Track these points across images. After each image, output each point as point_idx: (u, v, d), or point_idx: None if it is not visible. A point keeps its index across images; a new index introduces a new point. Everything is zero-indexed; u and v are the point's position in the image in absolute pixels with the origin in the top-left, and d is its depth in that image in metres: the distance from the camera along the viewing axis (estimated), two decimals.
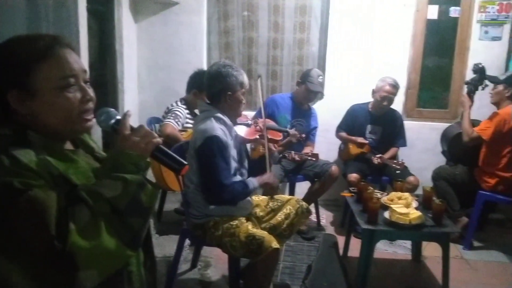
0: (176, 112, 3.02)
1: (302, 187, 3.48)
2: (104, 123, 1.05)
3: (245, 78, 2.08)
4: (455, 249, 3.12)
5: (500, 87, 3.08)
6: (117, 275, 0.99)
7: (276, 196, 2.37)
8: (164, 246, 2.96)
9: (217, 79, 2.04)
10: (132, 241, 0.93)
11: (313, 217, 3.54)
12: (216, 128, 1.99)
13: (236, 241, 1.95)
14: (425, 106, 3.97)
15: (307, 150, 3.28)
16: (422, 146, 3.82)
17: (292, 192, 3.63)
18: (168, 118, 2.99)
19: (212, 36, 3.97)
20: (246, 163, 2.27)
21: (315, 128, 3.47)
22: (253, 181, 2.09)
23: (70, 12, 2.41)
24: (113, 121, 1.04)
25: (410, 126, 3.73)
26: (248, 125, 2.36)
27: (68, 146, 1.04)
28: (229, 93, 2.04)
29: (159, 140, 1.03)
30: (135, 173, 0.95)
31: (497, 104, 3.13)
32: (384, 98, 3.30)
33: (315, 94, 3.33)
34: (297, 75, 3.76)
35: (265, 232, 1.96)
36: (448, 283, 2.34)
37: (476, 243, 3.21)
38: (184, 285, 2.55)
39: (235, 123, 2.21)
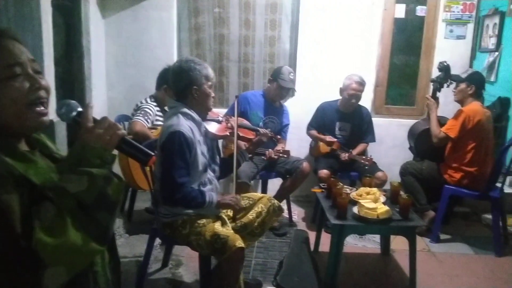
0: (145, 109, 2.98)
1: (275, 184, 3.50)
2: (65, 115, 1.01)
3: (209, 71, 2.06)
4: (423, 242, 3.21)
5: (463, 85, 3.18)
6: (83, 276, 0.97)
7: (248, 194, 2.37)
8: (135, 246, 2.92)
9: (181, 74, 2.02)
10: (100, 236, 0.91)
11: (285, 213, 3.57)
12: (182, 124, 1.97)
13: (202, 240, 1.94)
14: (393, 103, 4.06)
15: (279, 147, 3.30)
16: (390, 142, 3.91)
17: (264, 189, 3.66)
18: (137, 116, 2.94)
19: (182, 33, 3.93)
20: (218, 159, 2.27)
21: (287, 125, 3.50)
22: (213, 196, 2.03)
23: (32, 8, 2.33)
24: (74, 113, 1.00)
25: (379, 122, 3.81)
26: (219, 122, 2.35)
27: (24, 147, 1.00)
28: (195, 87, 2.02)
29: (123, 131, 1.01)
30: (101, 167, 0.93)
31: (461, 101, 3.23)
32: (351, 96, 3.37)
33: (287, 90, 3.34)
34: (269, 73, 3.77)
35: (230, 231, 1.95)
36: (415, 275, 2.40)
37: (442, 236, 3.31)
38: (155, 285, 2.52)
39: (205, 118, 2.19)
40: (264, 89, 3.46)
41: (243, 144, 3.08)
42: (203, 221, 2.00)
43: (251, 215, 2.22)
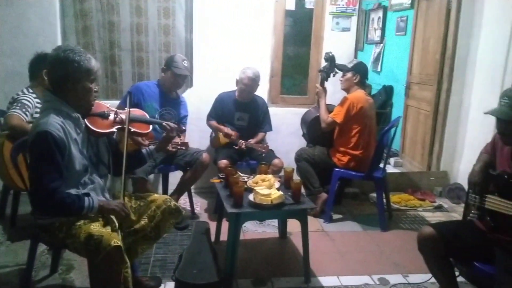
0: (23, 101, 2.69)
1: (177, 177, 3.43)
2: None
3: (92, 64, 1.88)
4: (317, 223, 3.41)
5: (349, 75, 3.41)
6: None
7: (142, 195, 2.25)
8: (18, 253, 2.65)
9: (56, 66, 1.84)
10: None
11: (187, 205, 3.54)
12: (51, 123, 1.77)
13: (77, 242, 1.80)
14: (288, 93, 4.23)
15: (177, 139, 3.21)
16: (286, 130, 4.07)
17: (166, 183, 3.58)
18: (14, 108, 2.65)
19: (67, 19, 3.62)
20: (106, 159, 2.10)
21: (185, 116, 3.43)
22: (92, 202, 1.83)
23: None
24: None
25: (276, 112, 3.93)
26: (104, 116, 2.17)
27: None
28: (71, 81, 1.84)
29: None
30: None
31: (347, 90, 3.47)
32: (243, 90, 3.45)
33: (183, 78, 3.27)
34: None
35: (105, 231, 1.81)
36: (308, 255, 2.53)
37: (335, 216, 3.55)
38: None
39: (85, 115, 2.01)
40: (159, 79, 3.35)
41: (140, 139, 2.95)
42: (81, 222, 1.85)
43: (143, 220, 2.09)
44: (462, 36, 3.90)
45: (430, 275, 2.15)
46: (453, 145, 4.12)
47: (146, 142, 2.97)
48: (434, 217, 3.62)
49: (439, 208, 3.79)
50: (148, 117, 2.52)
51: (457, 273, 2.34)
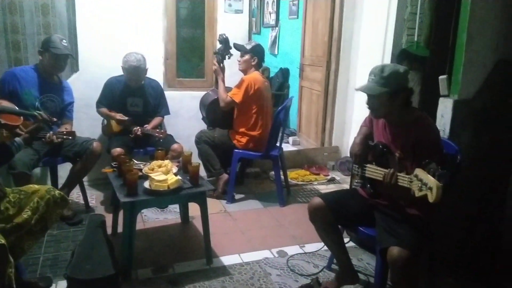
0: None
1: (67, 170, 3.17)
2: None
3: None
4: (220, 205, 3.43)
5: (247, 56, 3.45)
6: None
7: (21, 188, 2.05)
8: None
9: None
10: None
11: (80, 199, 3.32)
12: None
13: None
14: (185, 76, 4.14)
15: (62, 128, 2.98)
16: (186, 114, 4.01)
17: (55, 177, 3.31)
18: None
19: None
20: None
21: (71, 103, 3.17)
22: None
23: None
24: None
25: (173, 95, 3.84)
26: None
27: None
28: None
29: None
30: None
31: (244, 71, 3.50)
32: (129, 78, 3.32)
33: (64, 59, 2.99)
34: None
35: None
36: (209, 236, 2.53)
37: (237, 196, 3.61)
38: None
39: None
40: (37, 63, 3.04)
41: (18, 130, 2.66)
42: None
43: (25, 213, 1.92)
44: (346, 19, 4.16)
45: (323, 243, 2.29)
46: (342, 122, 4.43)
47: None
48: (328, 189, 3.87)
49: (332, 180, 4.07)
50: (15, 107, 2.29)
51: (348, 239, 2.55)
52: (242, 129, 3.45)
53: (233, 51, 3.50)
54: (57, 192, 2.05)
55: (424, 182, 1.64)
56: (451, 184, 1.94)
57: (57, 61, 2.93)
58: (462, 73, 2.21)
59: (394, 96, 1.90)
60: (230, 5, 3.96)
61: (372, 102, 1.96)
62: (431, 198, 1.61)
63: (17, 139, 2.15)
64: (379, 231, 1.95)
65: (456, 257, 2.40)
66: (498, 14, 2.20)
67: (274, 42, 6.21)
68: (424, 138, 1.87)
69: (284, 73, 5.89)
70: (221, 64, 3.48)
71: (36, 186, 2.06)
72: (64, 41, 2.95)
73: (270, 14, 6.17)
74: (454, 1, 2.34)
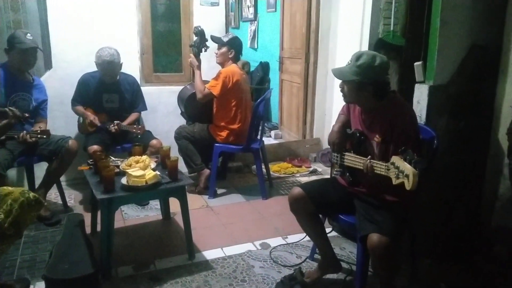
0: None
1: (44, 169, 3.09)
2: None
3: None
4: (202, 200, 3.40)
5: (224, 49, 3.41)
6: None
7: None
8: None
9: None
10: None
11: (58, 199, 3.25)
12: None
13: None
14: (163, 71, 4.09)
15: (36, 127, 2.91)
16: (164, 109, 3.96)
17: (31, 178, 3.22)
18: None
19: None
20: None
21: (44, 101, 3.09)
22: None
23: None
24: None
25: (150, 91, 3.79)
26: None
27: None
28: None
29: None
30: None
31: (222, 64, 3.46)
32: (104, 74, 3.26)
33: (32, 53, 2.89)
34: None
35: None
36: (190, 231, 2.50)
37: (219, 191, 3.58)
38: None
39: None
40: (5, 62, 2.94)
41: None
42: None
43: None
44: (323, 10, 4.16)
45: (305, 233, 2.29)
46: (322, 113, 4.44)
47: None
48: (310, 180, 3.87)
49: (314, 172, 4.08)
50: None
51: (330, 229, 2.55)
52: (222, 123, 3.41)
53: (210, 43, 3.45)
54: (31, 194, 1.96)
55: (401, 170, 1.64)
56: (428, 169, 1.96)
57: (25, 56, 2.85)
58: (437, 59, 2.21)
59: (361, 87, 1.89)
60: None
61: (342, 86, 1.97)
62: (407, 185, 1.61)
63: None
64: (359, 219, 1.95)
65: (435, 240, 2.42)
66: None
67: (253, 36, 6.17)
68: (399, 118, 1.86)
69: (264, 67, 5.85)
70: (198, 57, 3.43)
71: (10, 188, 1.98)
72: (28, 34, 2.86)
73: (248, 8, 6.11)
74: None
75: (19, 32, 2.86)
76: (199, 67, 3.40)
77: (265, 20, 5.77)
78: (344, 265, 2.35)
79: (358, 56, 1.90)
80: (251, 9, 6.01)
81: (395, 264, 1.83)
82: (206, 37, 3.40)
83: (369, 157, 1.84)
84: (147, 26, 3.84)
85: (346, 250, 2.60)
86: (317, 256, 2.46)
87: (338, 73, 1.94)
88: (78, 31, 3.53)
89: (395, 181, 1.67)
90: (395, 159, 1.68)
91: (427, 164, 1.97)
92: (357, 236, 1.95)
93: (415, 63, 2.34)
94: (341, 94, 2.01)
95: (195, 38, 3.40)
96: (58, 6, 3.44)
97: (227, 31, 4.04)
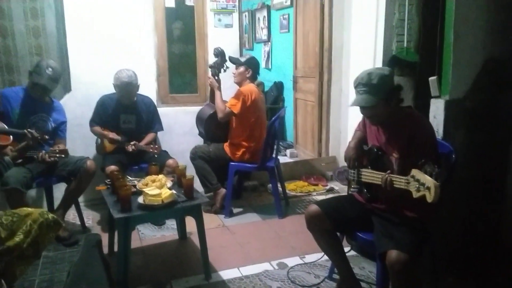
0: None
1: (62, 190, 3.14)
2: None
3: None
4: (218, 219, 3.39)
5: (242, 69, 3.46)
6: None
7: (15, 211, 2.01)
8: None
9: None
10: None
11: (76, 220, 3.28)
12: None
13: None
14: (178, 92, 4.15)
15: (54, 147, 2.96)
16: (180, 130, 4.00)
17: (50, 199, 3.27)
18: None
19: None
20: None
21: (64, 122, 3.16)
22: None
23: None
24: None
25: (166, 112, 3.84)
26: None
27: None
28: None
29: None
30: None
31: (239, 83, 3.51)
32: (121, 95, 3.31)
33: (43, 88, 2.93)
34: None
35: None
36: (206, 250, 2.48)
37: (235, 210, 3.57)
38: None
39: None
40: (27, 84, 3.04)
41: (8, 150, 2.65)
42: None
43: (17, 236, 1.86)
44: (336, 29, 4.19)
45: (323, 252, 2.24)
46: (338, 131, 4.42)
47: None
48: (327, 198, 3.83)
49: (330, 190, 4.04)
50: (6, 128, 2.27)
51: (348, 248, 2.50)
52: (237, 140, 3.43)
53: (228, 64, 3.51)
54: (50, 215, 2.00)
55: (422, 183, 1.61)
56: (447, 184, 1.92)
57: (34, 88, 2.94)
58: (451, 73, 2.20)
59: (389, 100, 1.89)
60: (219, 20, 4.00)
61: (370, 112, 1.94)
62: (429, 198, 1.58)
63: (6, 158, 2.13)
64: (377, 235, 1.91)
65: (455, 257, 2.35)
66: (484, 12, 2.20)
67: (267, 57, 6.24)
68: (417, 132, 1.86)
69: (278, 87, 5.90)
70: (216, 77, 3.49)
71: (30, 209, 2.01)
72: (50, 69, 2.91)
73: (262, 29, 6.22)
74: (439, 2, 2.35)
75: (43, 63, 2.94)
76: (219, 88, 3.45)
77: (278, 41, 5.85)
78: (364, 285, 2.29)
79: (368, 78, 1.89)
80: (265, 31, 6.11)
81: (415, 282, 1.78)
82: (226, 57, 3.46)
83: (388, 171, 1.82)
84: (163, 49, 3.93)
85: (365, 270, 2.54)
86: (335, 276, 2.41)
87: (363, 102, 1.89)
88: (96, 54, 3.63)
89: (415, 194, 1.64)
90: (415, 172, 1.66)
91: (446, 178, 1.94)
92: (375, 253, 1.91)
93: (430, 78, 2.33)
94: (369, 119, 2.02)
95: (215, 59, 3.46)
96: (77, 31, 3.55)
97: (241, 52, 4.10)
